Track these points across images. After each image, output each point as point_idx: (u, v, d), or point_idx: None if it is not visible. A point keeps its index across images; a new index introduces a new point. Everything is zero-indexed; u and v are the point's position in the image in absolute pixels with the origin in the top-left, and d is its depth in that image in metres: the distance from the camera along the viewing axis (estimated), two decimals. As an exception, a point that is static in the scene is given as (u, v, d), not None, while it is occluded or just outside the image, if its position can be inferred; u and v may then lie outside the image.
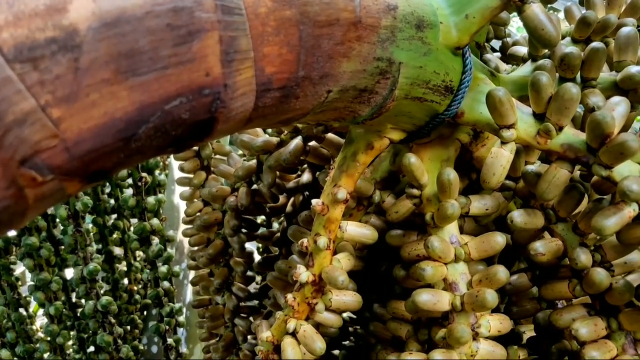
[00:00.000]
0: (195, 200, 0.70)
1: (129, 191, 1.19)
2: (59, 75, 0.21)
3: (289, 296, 0.44)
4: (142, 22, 0.23)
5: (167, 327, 1.22)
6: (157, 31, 0.23)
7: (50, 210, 1.17)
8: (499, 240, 0.42)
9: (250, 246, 0.68)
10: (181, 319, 1.25)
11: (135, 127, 0.24)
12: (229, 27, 0.26)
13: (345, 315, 0.46)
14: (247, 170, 0.60)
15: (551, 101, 0.38)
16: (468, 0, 0.39)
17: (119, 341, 1.21)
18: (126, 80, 0.23)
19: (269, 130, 0.60)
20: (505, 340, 0.42)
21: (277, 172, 0.59)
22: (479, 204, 0.43)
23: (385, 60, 0.36)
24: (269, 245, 0.69)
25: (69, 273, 1.22)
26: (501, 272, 0.40)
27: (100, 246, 1.22)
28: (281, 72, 0.29)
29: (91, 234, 1.19)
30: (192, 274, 1.26)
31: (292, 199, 0.62)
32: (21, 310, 1.22)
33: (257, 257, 0.71)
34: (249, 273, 0.68)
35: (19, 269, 1.36)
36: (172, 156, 1.18)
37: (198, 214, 0.69)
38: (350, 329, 0.59)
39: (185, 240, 1.29)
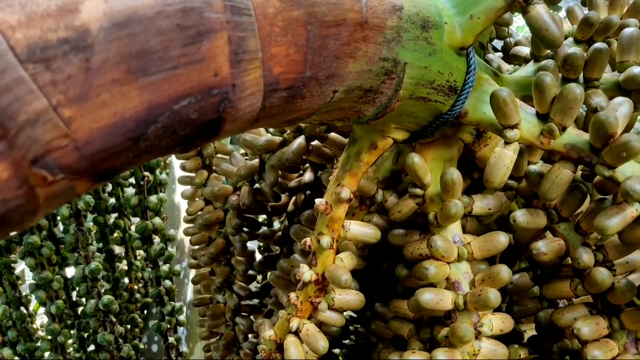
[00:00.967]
0: (197, 199, 0.71)
1: (131, 190, 1.19)
2: (71, 76, 0.21)
3: (292, 295, 0.44)
4: (152, 22, 0.23)
5: (168, 325, 1.22)
6: (167, 31, 0.23)
7: (51, 209, 1.17)
8: (502, 239, 0.42)
9: (251, 245, 0.68)
10: (182, 317, 1.25)
11: (144, 127, 0.24)
12: (237, 27, 0.26)
13: (345, 314, 0.46)
14: (250, 169, 0.61)
15: (555, 101, 0.39)
16: (473, 0, 0.39)
17: (120, 340, 1.21)
18: (136, 80, 0.23)
19: (272, 130, 0.60)
20: (507, 339, 0.42)
21: (280, 171, 0.59)
22: (481, 204, 0.43)
23: (391, 61, 0.36)
24: (270, 244, 0.69)
25: (70, 272, 1.22)
26: (504, 271, 0.40)
27: (100, 245, 1.22)
28: (288, 72, 0.29)
29: (92, 232, 1.19)
30: (192, 273, 1.27)
31: (293, 198, 0.62)
32: (22, 308, 1.22)
33: (258, 256, 0.71)
34: (250, 272, 0.69)
35: (19, 267, 1.36)
36: (173, 155, 1.18)
37: (199, 212, 0.69)
38: (352, 327, 0.60)
39: (186, 239, 1.30)
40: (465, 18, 0.39)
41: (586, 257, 0.40)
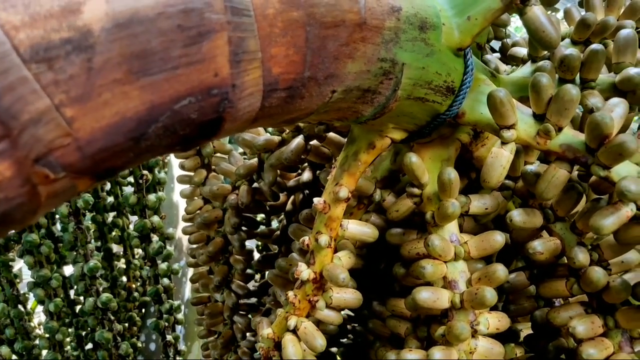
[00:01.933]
0: (196, 197, 0.71)
1: (129, 188, 1.19)
2: (73, 75, 0.22)
3: (290, 293, 0.44)
4: (154, 23, 0.23)
5: (166, 324, 1.22)
6: (168, 32, 0.24)
7: (50, 207, 1.17)
8: (498, 239, 0.42)
9: (250, 244, 0.69)
10: (180, 316, 1.25)
11: (145, 127, 0.24)
12: (238, 28, 0.26)
13: (343, 312, 0.47)
14: (249, 168, 0.61)
15: (551, 102, 0.39)
16: (470, 2, 0.40)
17: (118, 338, 1.21)
18: (138, 81, 0.23)
19: (271, 129, 0.60)
20: (503, 338, 0.43)
21: (278, 171, 0.59)
22: (478, 203, 0.43)
23: (389, 61, 0.36)
24: (268, 243, 0.69)
25: (68, 270, 1.22)
26: (500, 270, 0.40)
27: (99, 243, 1.22)
28: (288, 72, 0.30)
29: (91, 231, 1.19)
30: (190, 272, 1.27)
31: (292, 197, 0.63)
32: (20, 306, 1.22)
33: (256, 255, 0.71)
34: (249, 270, 0.69)
35: (17, 265, 1.37)
36: (172, 154, 1.18)
37: (198, 211, 0.69)
38: (349, 326, 0.60)
39: (184, 237, 1.30)
40: (462, 19, 0.40)
41: (582, 256, 0.40)
